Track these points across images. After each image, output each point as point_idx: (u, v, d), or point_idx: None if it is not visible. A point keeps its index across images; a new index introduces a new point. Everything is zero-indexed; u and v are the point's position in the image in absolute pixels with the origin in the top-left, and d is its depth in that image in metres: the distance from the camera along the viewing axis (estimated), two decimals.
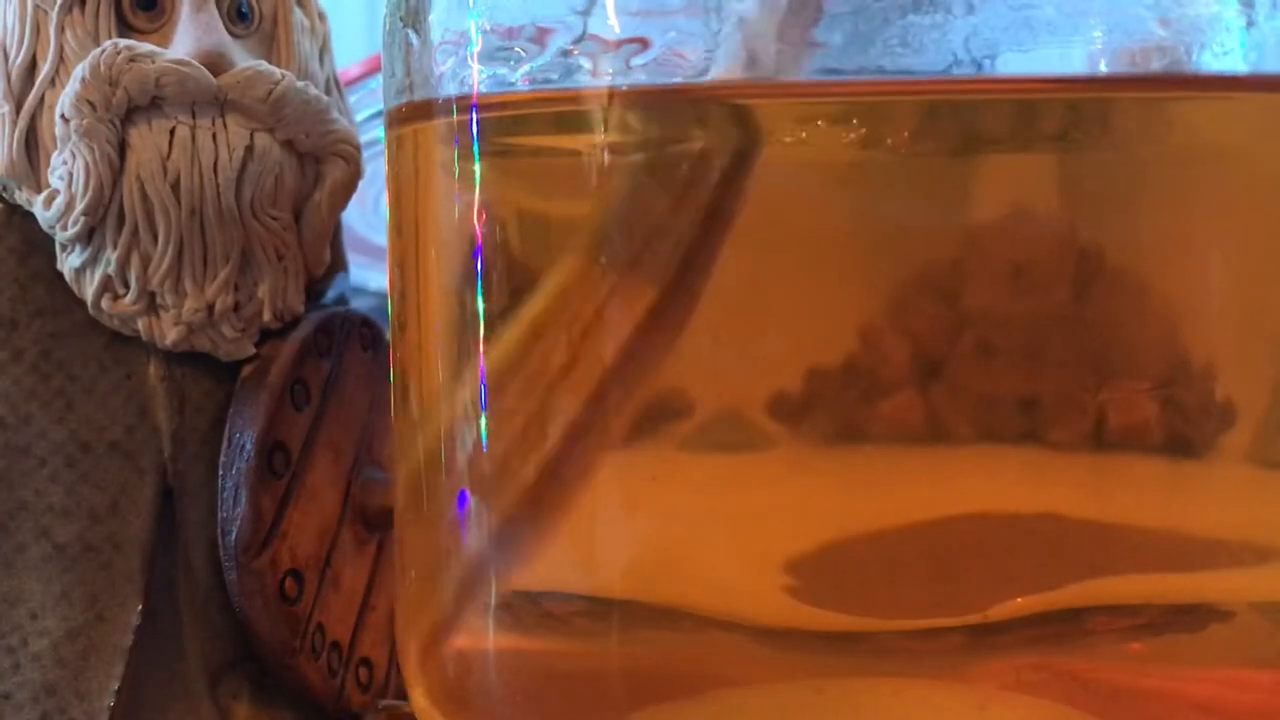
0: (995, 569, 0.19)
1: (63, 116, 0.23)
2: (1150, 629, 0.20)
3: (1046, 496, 0.19)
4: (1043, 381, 0.19)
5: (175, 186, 0.23)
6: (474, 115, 0.21)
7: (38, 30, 0.24)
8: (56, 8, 0.24)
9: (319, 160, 0.25)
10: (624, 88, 0.20)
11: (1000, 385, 0.19)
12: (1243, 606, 0.20)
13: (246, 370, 0.25)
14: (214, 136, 0.23)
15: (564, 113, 0.20)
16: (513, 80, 0.20)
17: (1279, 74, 0.20)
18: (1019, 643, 0.19)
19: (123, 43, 0.23)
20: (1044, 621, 0.19)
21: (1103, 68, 0.19)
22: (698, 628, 0.20)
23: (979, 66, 0.19)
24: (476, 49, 0.21)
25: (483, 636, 0.22)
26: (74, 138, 0.23)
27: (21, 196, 0.24)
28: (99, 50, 0.23)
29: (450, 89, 0.21)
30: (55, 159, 0.23)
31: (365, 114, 0.35)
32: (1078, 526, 0.19)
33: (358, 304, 0.27)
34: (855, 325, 0.19)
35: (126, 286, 0.24)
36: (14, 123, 0.24)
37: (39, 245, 0.24)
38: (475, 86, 0.21)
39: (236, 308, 0.24)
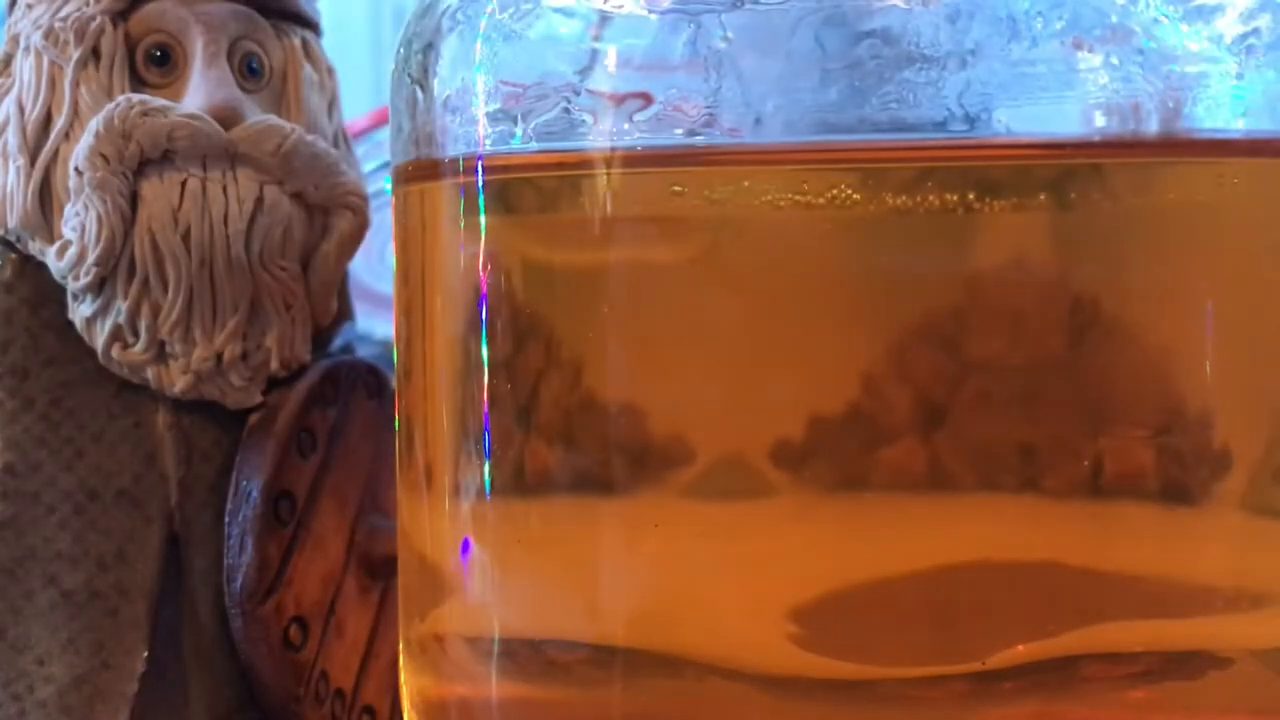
0: (995, 617, 0.19)
1: (76, 169, 0.23)
2: (1149, 676, 0.20)
3: (1045, 544, 0.19)
4: (1041, 429, 0.19)
5: (186, 237, 0.24)
6: (479, 173, 0.21)
7: (53, 85, 0.24)
8: (72, 63, 0.24)
9: (327, 212, 0.25)
10: (625, 149, 0.20)
11: (1000, 433, 0.19)
12: (1241, 653, 0.20)
13: (253, 419, 0.25)
14: (224, 189, 0.24)
15: (567, 169, 0.21)
16: (517, 135, 0.21)
17: (1267, 137, 0.20)
18: (1020, 690, 0.19)
19: (136, 97, 0.24)
20: (1044, 669, 0.19)
21: (1098, 120, 0.20)
22: (701, 676, 0.20)
23: (973, 121, 0.19)
24: (481, 105, 0.21)
25: (485, 684, 0.22)
26: (87, 190, 0.23)
27: (35, 247, 0.24)
28: (113, 105, 0.23)
29: (456, 146, 0.22)
30: (68, 210, 0.24)
31: (372, 165, 0.36)
32: (1076, 574, 0.19)
33: (363, 352, 0.28)
34: (857, 373, 0.19)
35: (136, 336, 0.24)
36: (29, 175, 0.24)
37: (50, 295, 0.24)
38: (481, 144, 0.21)
39: (244, 357, 0.24)
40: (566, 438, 0.21)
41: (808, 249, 0.20)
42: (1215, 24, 0.20)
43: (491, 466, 0.21)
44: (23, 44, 0.24)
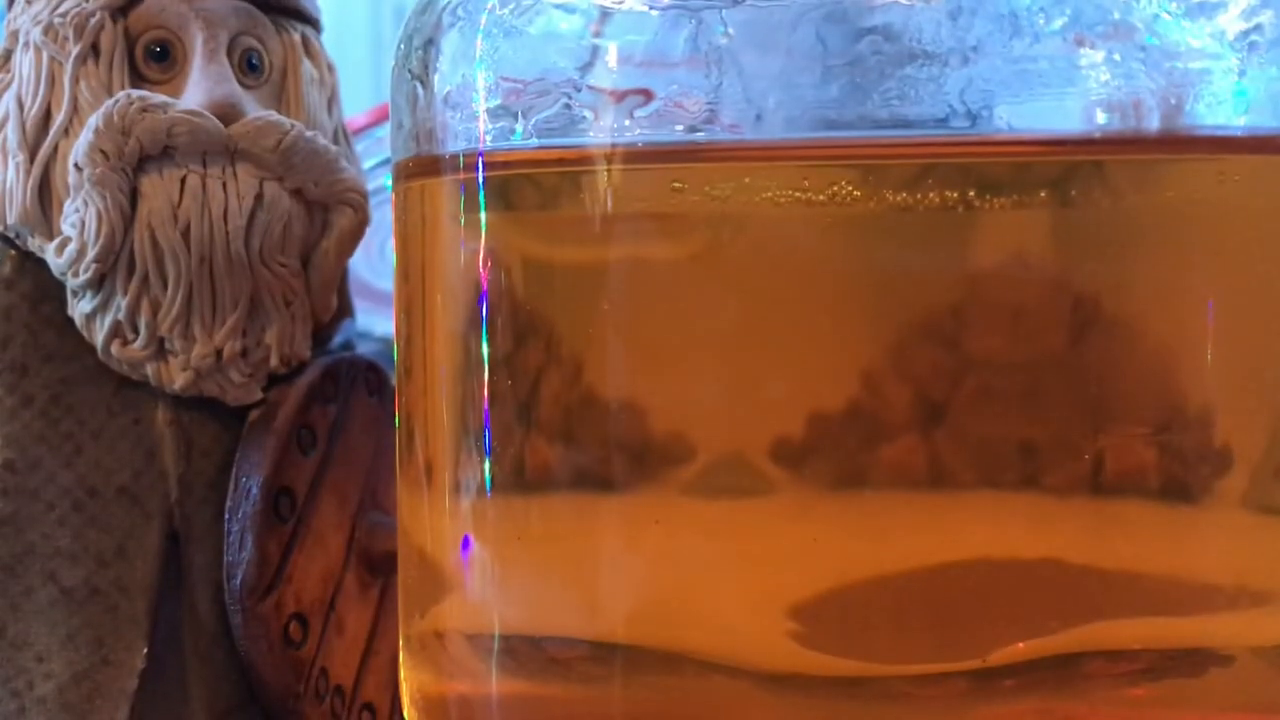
0: (996, 614, 0.19)
1: (76, 165, 0.23)
2: (1150, 674, 0.20)
3: (1046, 541, 0.20)
4: (1042, 427, 0.19)
5: (185, 234, 0.24)
6: (480, 169, 0.21)
7: (53, 81, 0.24)
8: (71, 59, 0.24)
9: (327, 208, 0.25)
10: (625, 146, 0.20)
11: (1000, 430, 0.19)
12: (1242, 650, 0.20)
13: (253, 415, 0.25)
14: (224, 185, 0.24)
15: (568, 165, 0.21)
16: (518, 132, 0.21)
17: (1268, 134, 0.20)
18: (1021, 688, 0.19)
19: (135, 93, 0.24)
20: (1045, 667, 0.19)
21: (1099, 117, 0.20)
22: (701, 673, 0.20)
23: (975, 118, 0.19)
24: (482, 101, 0.21)
25: (485, 681, 0.22)
26: (87, 186, 0.23)
27: (34, 244, 0.24)
28: (112, 101, 0.23)
29: (456, 143, 0.22)
30: (68, 207, 0.24)
31: (372, 162, 0.36)
32: (1077, 571, 0.19)
33: (363, 349, 0.28)
34: (857, 370, 0.19)
35: (136, 332, 0.24)
36: (28, 172, 0.24)
37: (50, 292, 0.24)
38: (481, 140, 0.21)
39: (244, 353, 0.24)
40: (566, 435, 0.21)
41: (808, 246, 0.20)
42: (1217, 20, 0.20)
43: (491, 463, 0.21)
44: (22, 40, 0.24)
